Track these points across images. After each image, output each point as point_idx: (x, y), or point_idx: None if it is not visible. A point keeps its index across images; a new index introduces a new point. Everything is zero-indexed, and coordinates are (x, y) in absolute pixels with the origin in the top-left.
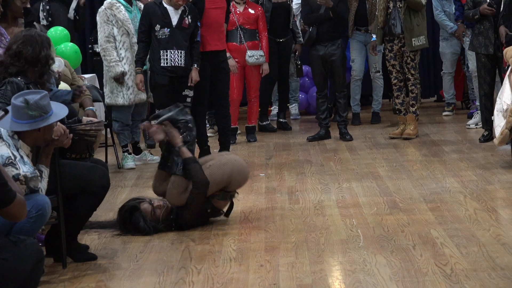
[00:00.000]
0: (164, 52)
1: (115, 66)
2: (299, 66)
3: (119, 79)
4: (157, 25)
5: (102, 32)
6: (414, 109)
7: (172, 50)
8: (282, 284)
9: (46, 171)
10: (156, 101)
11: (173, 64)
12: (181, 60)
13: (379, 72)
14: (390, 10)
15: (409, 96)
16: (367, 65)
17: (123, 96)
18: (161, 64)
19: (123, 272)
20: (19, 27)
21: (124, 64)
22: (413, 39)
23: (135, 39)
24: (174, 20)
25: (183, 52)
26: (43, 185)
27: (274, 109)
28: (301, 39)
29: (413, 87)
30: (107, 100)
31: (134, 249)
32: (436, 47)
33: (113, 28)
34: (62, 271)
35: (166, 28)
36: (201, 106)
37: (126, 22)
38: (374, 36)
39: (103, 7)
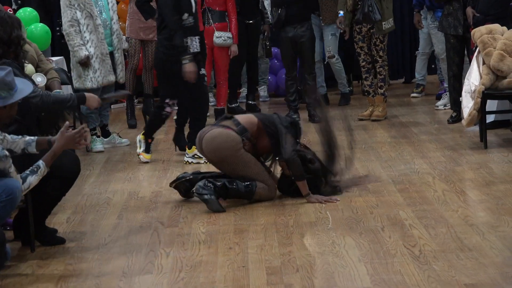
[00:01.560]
0: (191, 39)
1: (79, 51)
2: (268, 47)
3: (85, 63)
4: (185, 14)
5: (65, 16)
6: (382, 90)
7: (194, 37)
8: (251, 266)
9: (43, 169)
10: (172, 89)
11: (196, 51)
12: (198, 46)
13: (334, 56)
14: None
15: (377, 78)
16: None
17: (91, 80)
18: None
19: (91, 255)
20: None
21: (90, 47)
22: (383, 23)
23: (98, 21)
24: (193, 7)
25: (198, 37)
26: (32, 179)
27: (243, 91)
28: (269, 19)
29: (381, 68)
30: (75, 85)
31: (103, 232)
32: (404, 28)
33: (76, 12)
34: (30, 255)
35: (191, 16)
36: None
37: (89, 5)
38: (341, 12)
39: None
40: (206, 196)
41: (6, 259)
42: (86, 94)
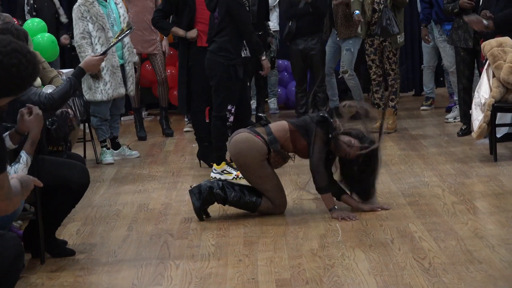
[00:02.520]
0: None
1: None
2: (273, 59)
3: (96, 75)
4: None
5: (77, 28)
6: (393, 103)
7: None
8: (261, 278)
9: (26, 158)
10: (232, 94)
11: (248, 55)
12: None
13: (347, 72)
14: (381, 8)
15: (389, 91)
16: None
17: (101, 92)
18: (242, 55)
19: (101, 267)
20: None
21: None
22: (398, 36)
23: (110, 34)
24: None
25: None
26: (18, 168)
27: (253, 104)
28: (271, 32)
29: (394, 81)
30: (86, 97)
31: (113, 244)
32: (414, 41)
33: (88, 24)
34: (40, 266)
35: None
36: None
37: (101, 18)
38: (357, 11)
39: (77, 3)
40: (192, 200)
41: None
42: (82, 65)
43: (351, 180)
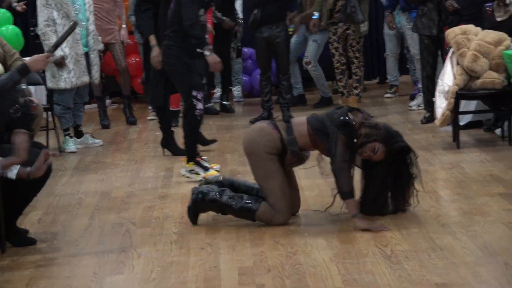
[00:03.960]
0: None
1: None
2: (239, 48)
3: (60, 63)
4: (202, 9)
5: (41, 16)
6: (357, 91)
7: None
8: (223, 266)
9: None
10: (188, 85)
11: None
12: None
13: (310, 63)
14: None
15: (353, 79)
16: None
17: (65, 80)
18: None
19: (63, 256)
20: None
21: (65, 47)
22: (361, 25)
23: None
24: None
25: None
26: None
27: (217, 92)
28: (239, 20)
29: (357, 69)
30: (49, 85)
31: (75, 233)
32: (379, 29)
33: (52, 12)
34: (1, 256)
35: (205, 14)
36: None
37: (66, 5)
38: (316, 14)
39: None
40: (189, 204)
41: None
42: (28, 61)
43: (370, 188)
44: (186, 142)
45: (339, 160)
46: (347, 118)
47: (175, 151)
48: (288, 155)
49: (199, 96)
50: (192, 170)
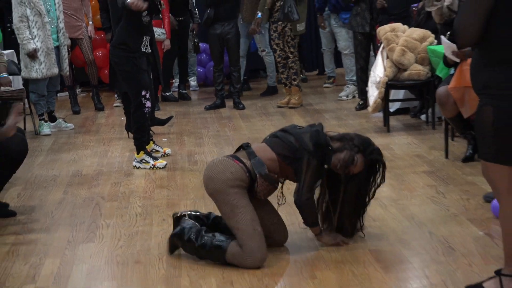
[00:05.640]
0: (146, 38)
1: (27, 44)
2: (196, 44)
3: (32, 55)
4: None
5: (16, 12)
6: (296, 82)
7: (147, 37)
8: None
9: None
10: (137, 83)
11: (148, 51)
12: (149, 47)
13: (265, 51)
14: None
15: (290, 72)
16: (255, 45)
17: (36, 71)
18: (142, 50)
19: (40, 226)
20: None
21: (37, 41)
22: (297, 25)
23: (46, 19)
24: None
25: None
26: None
27: (175, 81)
28: (198, 19)
29: (293, 64)
30: (23, 74)
31: (50, 206)
32: (317, 29)
33: (26, 9)
34: None
35: (148, 16)
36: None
37: (38, 4)
38: (259, 13)
39: None
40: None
41: None
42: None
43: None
44: (135, 137)
45: (305, 192)
46: (322, 141)
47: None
48: (257, 182)
49: (148, 95)
50: (143, 160)
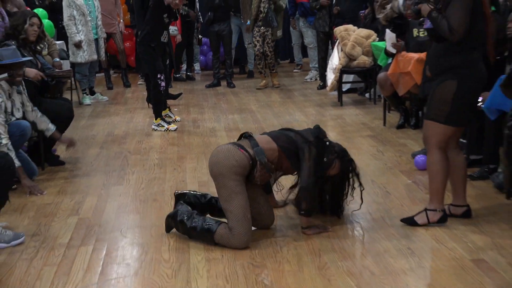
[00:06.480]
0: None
1: (74, 37)
2: (199, 38)
3: (78, 45)
4: (166, 14)
5: (65, 12)
6: (274, 70)
7: (166, 31)
8: (188, 180)
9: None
10: (154, 68)
11: (165, 40)
12: (167, 38)
13: (250, 44)
14: (266, 10)
15: (269, 63)
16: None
17: (80, 57)
18: (161, 40)
19: (82, 173)
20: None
21: (81, 35)
22: (278, 32)
23: (88, 18)
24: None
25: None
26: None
27: (184, 66)
28: (201, 20)
29: (271, 60)
30: (70, 59)
31: (90, 157)
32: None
33: (73, 11)
34: (41, 171)
35: (168, 17)
36: None
37: (82, 7)
38: (248, 21)
39: None
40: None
41: (34, 174)
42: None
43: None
44: (153, 108)
45: (311, 179)
46: (321, 136)
47: (171, 97)
48: (256, 168)
49: (162, 77)
50: (159, 124)
